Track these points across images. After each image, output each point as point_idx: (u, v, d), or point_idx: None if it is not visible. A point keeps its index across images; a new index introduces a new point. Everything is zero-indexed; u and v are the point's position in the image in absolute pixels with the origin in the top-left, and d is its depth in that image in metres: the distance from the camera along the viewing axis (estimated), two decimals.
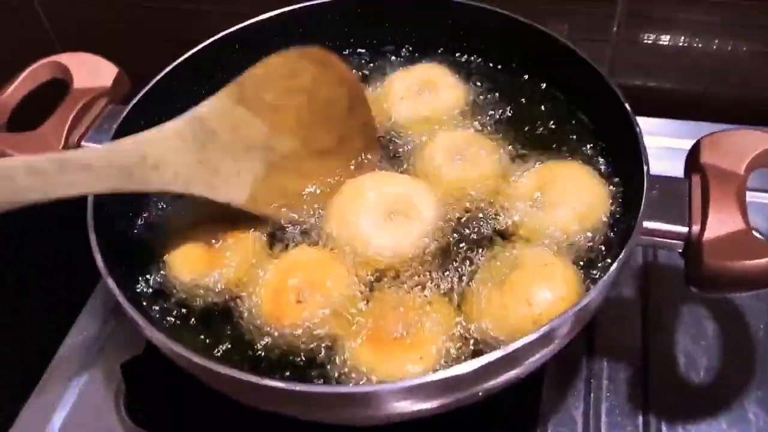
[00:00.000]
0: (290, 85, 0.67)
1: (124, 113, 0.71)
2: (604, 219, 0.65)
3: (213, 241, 0.66)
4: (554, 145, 0.73)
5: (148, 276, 0.67)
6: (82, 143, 0.72)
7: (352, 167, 0.72)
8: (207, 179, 0.63)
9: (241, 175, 0.65)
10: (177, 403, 0.73)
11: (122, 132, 0.69)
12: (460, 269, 0.64)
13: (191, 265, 0.65)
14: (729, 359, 0.73)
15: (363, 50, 0.87)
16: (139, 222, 0.71)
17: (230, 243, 0.66)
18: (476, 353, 0.59)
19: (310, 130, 0.69)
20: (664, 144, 0.88)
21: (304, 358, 0.60)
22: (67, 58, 0.77)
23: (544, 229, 0.64)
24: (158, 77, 0.74)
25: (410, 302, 0.62)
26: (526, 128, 0.75)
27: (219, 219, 0.67)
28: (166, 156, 0.60)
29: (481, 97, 0.79)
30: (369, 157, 0.73)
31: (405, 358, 0.58)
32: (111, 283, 0.58)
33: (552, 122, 0.75)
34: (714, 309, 0.76)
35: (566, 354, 0.72)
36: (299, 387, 0.51)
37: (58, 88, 0.78)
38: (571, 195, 0.65)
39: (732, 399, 0.70)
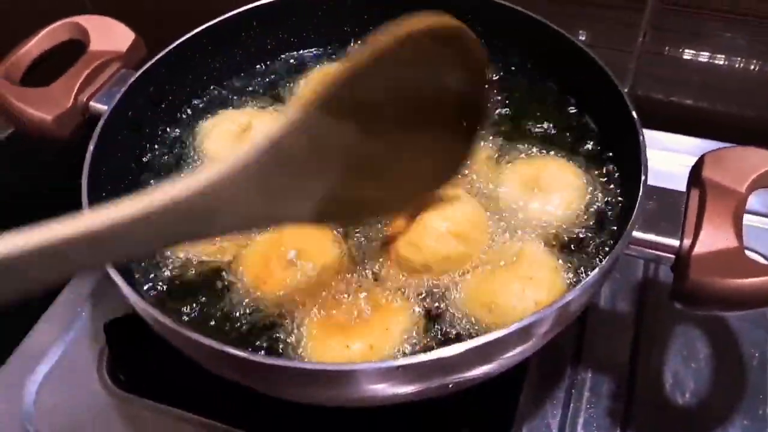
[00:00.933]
0: (401, 76, 0.48)
1: (133, 78, 0.72)
2: (581, 216, 0.66)
3: None
4: (558, 147, 0.72)
5: None
6: (91, 103, 0.74)
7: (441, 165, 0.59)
8: (269, 210, 0.49)
9: (309, 191, 0.50)
10: (159, 367, 0.74)
11: (129, 96, 0.71)
12: None
13: None
14: (718, 385, 0.70)
15: None
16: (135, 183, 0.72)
17: None
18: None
19: (407, 127, 0.52)
20: (679, 160, 0.86)
21: (280, 334, 0.60)
22: (86, 20, 0.78)
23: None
24: (171, 47, 0.75)
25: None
26: (531, 128, 0.75)
27: None
28: (226, 203, 0.45)
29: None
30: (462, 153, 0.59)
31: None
32: None
33: (559, 125, 0.75)
34: (709, 332, 0.74)
35: (550, 359, 0.72)
36: (261, 359, 0.52)
37: (81, 49, 0.79)
38: (548, 187, 0.66)
39: (716, 426, 0.68)
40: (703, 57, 0.89)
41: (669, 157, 0.89)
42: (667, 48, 0.90)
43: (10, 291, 0.37)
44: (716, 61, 0.89)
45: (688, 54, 0.90)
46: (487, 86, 0.55)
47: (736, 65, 0.89)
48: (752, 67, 0.88)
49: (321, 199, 0.51)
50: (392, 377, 0.52)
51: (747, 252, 0.57)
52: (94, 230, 0.38)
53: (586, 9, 0.90)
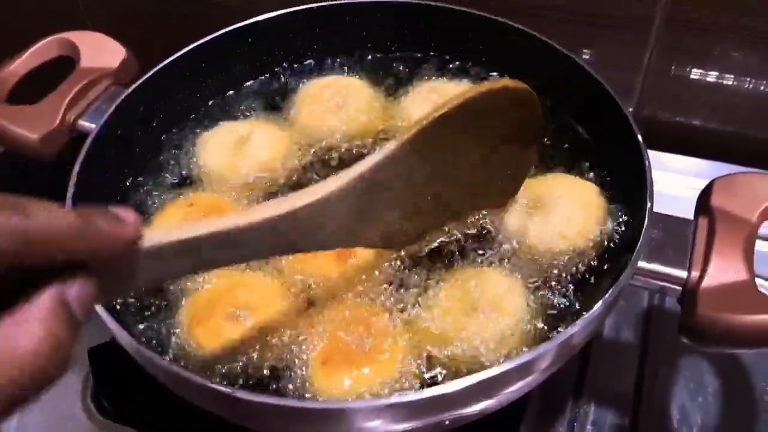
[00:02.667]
0: (479, 127, 0.56)
1: (122, 96, 0.70)
2: (597, 236, 0.63)
3: None
4: (555, 167, 0.70)
5: None
6: (79, 122, 0.72)
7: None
8: (353, 232, 0.55)
9: (388, 217, 0.57)
10: (145, 395, 0.71)
11: (118, 114, 0.69)
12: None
13: None
14: (727, 420, 0.67)
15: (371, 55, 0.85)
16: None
17: None
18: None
19: (477, 170, 0.60)
20: (685, 183, 0.84)
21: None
22: (76, 36, 0.77)
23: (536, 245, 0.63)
24: (162, 64, 0.73)
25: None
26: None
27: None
28: (326, 221, 0.51)
29: None
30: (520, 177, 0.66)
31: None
32: None
33: (556, 144, 0.72)
34: (718, 364, 0.71)
35: (551, 392, 0.69)
36: (243, 395, 0.49)
37: (70, 66, 0.77)
38: (563, 207, 0.64)
39: None
40: (712, 77, 0.87)
41: (674, 179, 0.86)
42: (674, 67, 0.88)
43: (151, 278, 0.42)
44: (725, 81, 0.87)
45: (695, 73, 0.87)
46: (537, 139, 0.64)
47: (746, 85, 0.86)
48: (762, 87, 0.85)
49: (386, 227, 0.58)
50: (385, 415, 0.50)
51: (758, 281, 0.54)
52: (226, 230, 0.44)
53: (590, 26, 0.88)
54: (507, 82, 0.56)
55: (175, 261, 0.42)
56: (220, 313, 0.59)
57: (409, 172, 0.55)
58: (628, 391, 0.70)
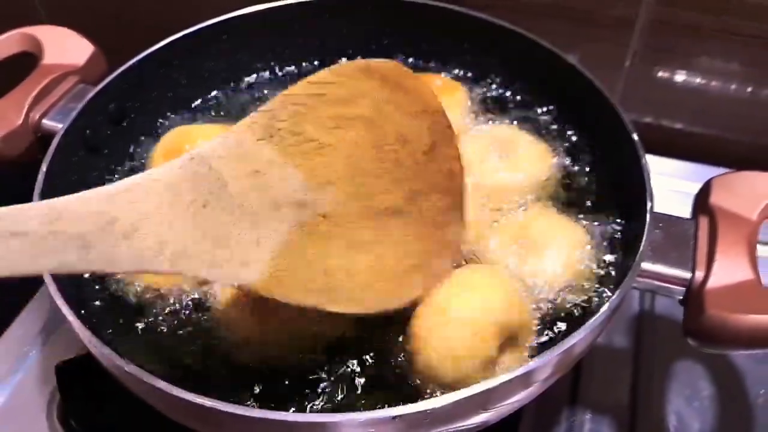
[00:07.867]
0: (344, 114, 0.46)
1: (91, 94, 0.66)
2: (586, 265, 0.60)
3: None
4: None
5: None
6: (44, 121, 0.67)
7: (430, 239, 0.53)
8: (208, 252, 0.43)
9: (261, 244, 0.44)
10: (115, 414, 0.66)
11: (86, 113, 0.65)
12: None
13: None
14: (724, 425, 0.66)
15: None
16: None
17: None
18: None
19: (368, 179, 0.48)
20: (672, 186, 0.82)
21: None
22: (39, 31, 0.72)
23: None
24: (134, 60, 0.69)
25: None
26: None
27: None
28: (147, 218, 0.40)
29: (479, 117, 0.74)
30: (451, 221, 0.54)
31: None
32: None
33: (554, 149, 0.70)
34: (712, 369, 0.70)
35: (546, 402, 0.66)
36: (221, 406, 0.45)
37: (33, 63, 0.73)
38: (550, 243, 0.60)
39: None
40: (695, 79, 0.86)
41: (659, 182, 0.85)
42: (657, 69, 0.87)
43: None
44: (709, 84, 0.86)
45: (679, 76, 0.87)
46: (442, 129, 0.51)
47: (729, 88, 0.86)
48: (746, 90, 0.85)
49: (276, 259, 0.45)
50: (383, 429, 0.47)
51: None
52: None
53: (570, 26, 0.86)
54: (370, 60, 0.46)
55: None
56: None
57: (262, 168, 0.43)
58: (623, 399, 0.68)
